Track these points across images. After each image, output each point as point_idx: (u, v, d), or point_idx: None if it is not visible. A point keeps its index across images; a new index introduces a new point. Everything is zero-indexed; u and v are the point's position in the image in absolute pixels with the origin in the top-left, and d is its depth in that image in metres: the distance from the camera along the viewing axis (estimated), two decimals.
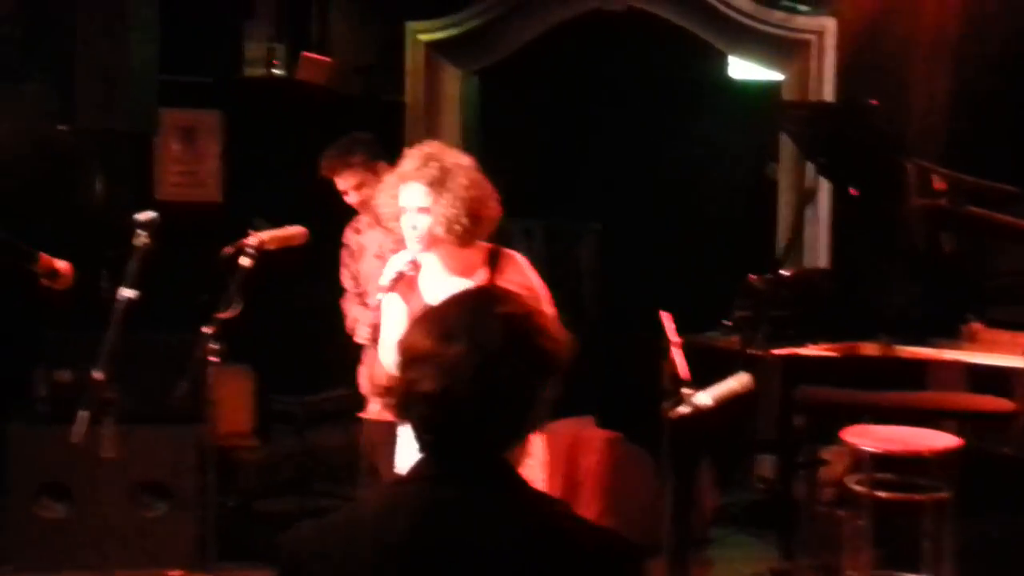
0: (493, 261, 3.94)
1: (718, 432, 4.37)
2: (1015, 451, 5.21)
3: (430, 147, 3.94)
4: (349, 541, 1.94)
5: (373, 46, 7.69)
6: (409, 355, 1.98)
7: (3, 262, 4.73)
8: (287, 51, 7.21)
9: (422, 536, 1.90)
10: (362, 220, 5.24)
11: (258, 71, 7.18)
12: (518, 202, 4.06)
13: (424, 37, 7.56)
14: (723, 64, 7.75)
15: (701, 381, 4.05)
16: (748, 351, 4.79)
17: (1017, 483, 5.15)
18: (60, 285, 4.85)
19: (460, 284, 3.84)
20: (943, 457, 4.72)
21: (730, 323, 5.01)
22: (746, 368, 4.07)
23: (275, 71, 7.16)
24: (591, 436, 5.84)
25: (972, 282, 5.19)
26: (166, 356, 5.02)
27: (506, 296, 2.06)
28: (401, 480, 2.04)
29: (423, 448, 1.99)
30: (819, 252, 6.72)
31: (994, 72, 6.37)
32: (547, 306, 3.70)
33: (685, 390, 4.03)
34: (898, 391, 4.86)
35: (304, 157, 5.23)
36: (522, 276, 3.91)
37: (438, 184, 3.81)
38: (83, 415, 4.13)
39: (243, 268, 4.20)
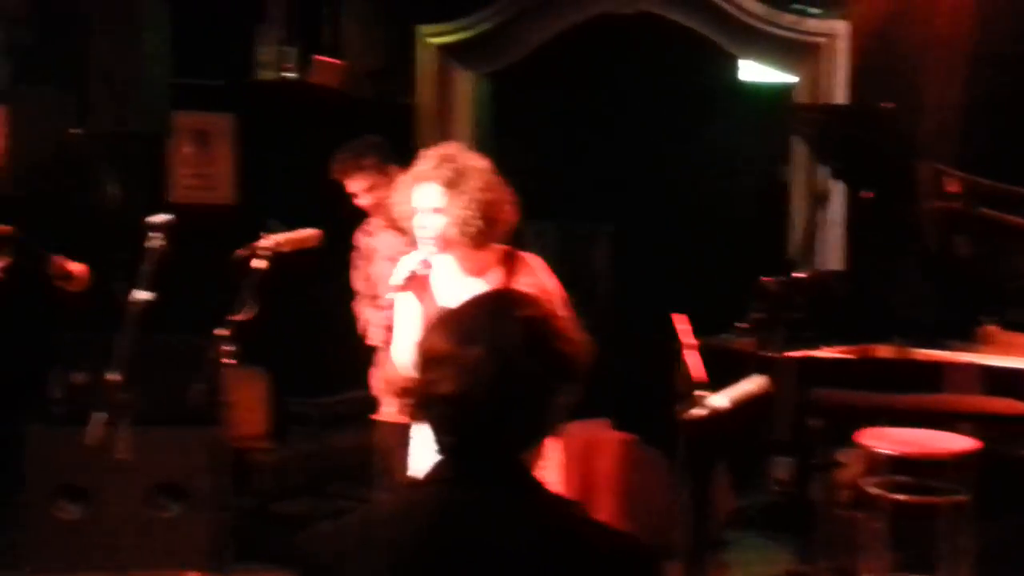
0: (508, 263, 3.94)
1: (734, 434, 4.37)
2: None
3: (447, 148, 3.95)
4: (367, 542, 1.94)
5: (385, 49, 7.70)
6: (428, 356, 1.99)
7: (18, 265, 4.74)
8: (299, 54, 7.22)
9: (440, 537, 1.90)
10: (373, 223, 5.24)
11: (270, 74, 7.19)
12: (531, 204, 4.06)
13: (435, 40, 7.56)
14: (734, 67, 7.75)
15: (716, 383, 4.04)
16: (763, 353, 4.78)
17: None
18: (75, 287, 4.86)
19: (474, 286, 3.84)
20: (960, 460, 4.71)
21: (745, 325, 5.00)
22: (761, 370, 4.07)
23: (287, 74, 7.17)
24: (606, 438, 5.84)
25: (987, 285, 5.18)
26: (181, 358, 5.02)
27: (526, 299, 2.06)
28: (419, 482, 2.03)
29: (441, 450, 1.99)
30: (833, 254, 6.71)
31: (1008, 73, 6.35)
32: (564, 308, 3.70)
33: (700, 392, 4.03)
34: (914, 393, 4.83)
35: (316, 160, 5.24)
36: (537, 278, 3.91)
37: (452, 185, 3.81)
38: (98, 417, 4.14)
39: (257, 270, 4.20)
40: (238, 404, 4.59)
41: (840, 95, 6.78)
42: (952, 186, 5.17)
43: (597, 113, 8.54)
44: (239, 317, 4.11)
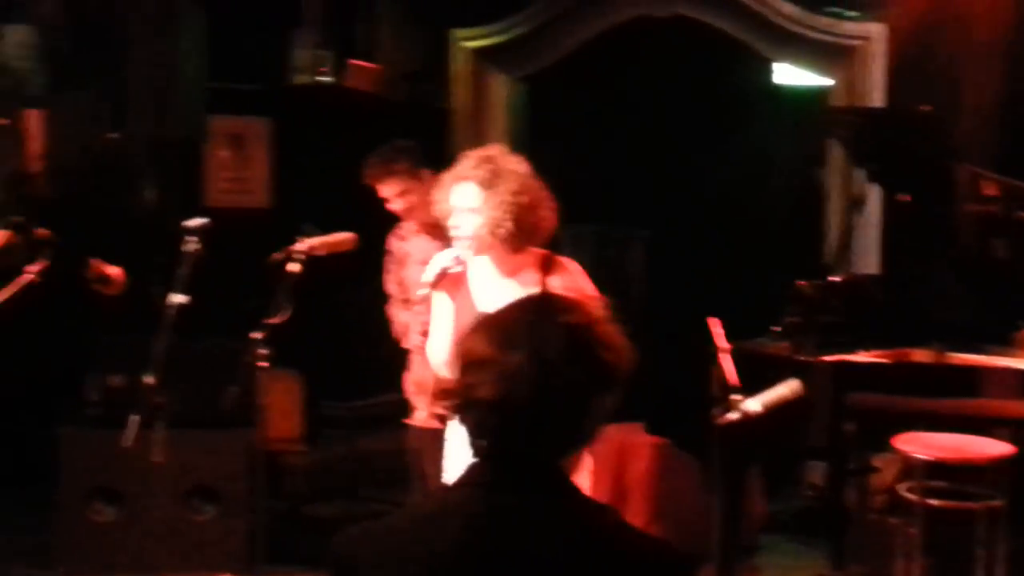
0: (546, 267, 3.94)
1: (767, 439, 4.34)
2: None
3: (489, 150, 3.96)
4: (402, 545, 1.93)
5: (420, 53, 7.72)
6: (468, 360, 1.96)
7: (56, 268, 4.77)
8: (334, 58, 7.25)
9: (475, 542, 1.89)
10: (406, 227, 5.24)
11: (306, 78, 7.23)
12: (565, 208, 4.06)
13: (470, 44, 7.57)
14: (769, 70, 7.72)
15: (750, 388, 4.02)
16: (798, 357, 4.76)
17: None
18: (112, 291, 4.88)
19: (508, 287, 3.84)
20: (996, 465, 4.67)
21: (780, 329, 4.99)
22: (796, 374, 4.04)
23: (322, 78, 7.20)
24: (639, 442, 5.82)
25: None
26: (216, 361, 5.05)
27: (570, 305, 2.02)
28: (453, 485, 2.02)
29: (476, 453, 1.97)
30: (869, 258, 6.67)
31: None
32: (605, 313, 3.68)
33: (734, 396, 4.01)
34: (950, 398, 4.80)
35: (351, 163, 5.24)
36: (575, 283, 3.90)
37: (488, 186, 3.82)
38: (134, 419, 4.16)
39: (292, 274, 4.21)
40: (272, 407, 4.59)
41: (876, 98, 6.74)
42: (989, 189, 5.14)
43: (632, 117, 8.51)
44: (274, 320, 4.12)
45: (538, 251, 3.96)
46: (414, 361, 4.85)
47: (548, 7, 7.45)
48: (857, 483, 5.66)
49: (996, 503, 4.69)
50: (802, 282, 5.02)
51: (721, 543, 4.76)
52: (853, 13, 6.85)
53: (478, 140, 6.93)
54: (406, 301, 5.17)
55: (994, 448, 4.72)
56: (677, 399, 5.21)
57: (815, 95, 7.41)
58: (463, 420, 1.97)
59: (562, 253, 4.05)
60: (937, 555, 4.94)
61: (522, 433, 1.92)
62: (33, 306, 4.16)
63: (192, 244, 4.27)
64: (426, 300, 4.01)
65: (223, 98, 6.82)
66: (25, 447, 5.99)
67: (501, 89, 7.70)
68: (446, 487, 2.34)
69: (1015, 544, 4.79)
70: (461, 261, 3.92)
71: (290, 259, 4.25)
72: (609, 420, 2.03)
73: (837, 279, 5.21)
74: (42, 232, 4.72)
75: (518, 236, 3.86)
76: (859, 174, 5.89)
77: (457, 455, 3.83)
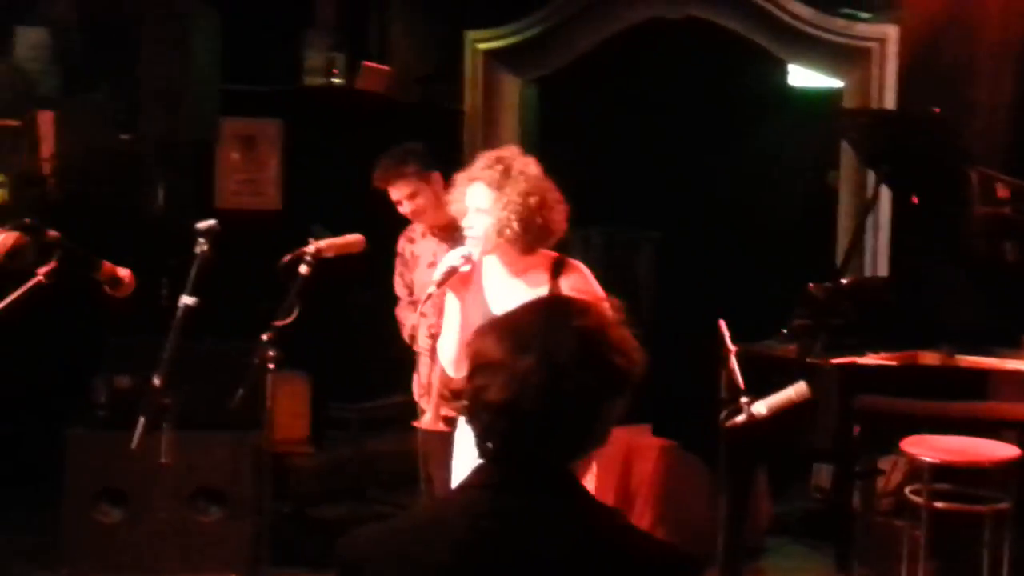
0: (556, 270, 3.94)
1: (774, 441, 4.34)
2: None
3: (503, 151, 3.98)
4: (408, 546, 1.93)
5: (432, 55, 7.73)
6: (478, 362, 1.95)
7: (66, 269, 4.79)
8: (347, 60, 7.26)
9: (482, 544, 1.89)
10: (416, 229, 5.25)
11: (318, 80, 7.24)
12: (577, 210, 4.06)
13: (483, 46, 7.58)
14: (783, 72, 7.71)
15: (758, 390, 4.02)
16: (806, 360, 4.76)
17: None
18: (121, 292, 4.87)
19: (516, 288, 3.85)
20: (1003, 468, 4.66)
21: (788, 332, 4.98)
22: (804, 377, 4.03)
23: (335, 80, 7.21)
24: (646, 444, 5.81)
25: None
26: (223, 363, 5.04)
27: (582, 308, 2.01)
28: (459, 487, 2.02)
29: (482, 455, 1.97)
30: (879, 260, 6.66)
31: None
32: (616, 316, 3.68)
33: (742, 399, 4.01)
34: (959, 401, 4.79)
35: (363, 165, 5.24)
36: (585, 286, 3.90)
37: (498, 187, 3.83)
38: (142, 421, 4.17)
39: (302, 275, 4.22)
40: (279, 408, 4.59)
41: (889, 99, 6.73)
42: (1001, 191, 5.12)
43: (643, 119, 8.52)
44: (281, 322, 4.13)
45: (548, 253, 3.96)
46: (422, 363, 4.85)
47: (561, 9, 7.46)
48: (864, 486, 5.65)
49: (1003, 506, 4.68)
50: (812, 284, 5.02)
51: (727, 545, 4.76)
52: (866, 15, 6.84)
53: (490, 142, 6.95)
54: (415, 303, 5.17)
55: (1001, 451, 4.71)
56: (685, 401, 5.21)
57: (827, 97, 7.41)
58: (472, 422, 1.97)
59: (572, 255, 4.05)
60: (943, 558, 4.93)
61: (531, 436, 1.91)
62: (42, 307, 4.17)
63: (202, 246, 4.25)
64: (430, 299, 4.01)
65: (235, 100, 6.82)
66: (28, 447, 6.01)
67: (514, 90, 7.71)
68: (453, 489, 2.33)
69: (1021, 547, 4.78)
70: (469, 260, 3.93)
71: (300, 261, 4.25)
72: (618, 422, 2.03)
73: (847, 281, 5.20)
74: (52, 233, 4.73)
75: (526, 237, 3.86)
76: (870, 176, 5.87)
77: (465, 458, 3.83)
